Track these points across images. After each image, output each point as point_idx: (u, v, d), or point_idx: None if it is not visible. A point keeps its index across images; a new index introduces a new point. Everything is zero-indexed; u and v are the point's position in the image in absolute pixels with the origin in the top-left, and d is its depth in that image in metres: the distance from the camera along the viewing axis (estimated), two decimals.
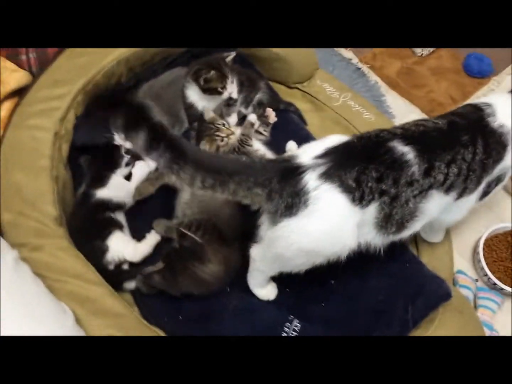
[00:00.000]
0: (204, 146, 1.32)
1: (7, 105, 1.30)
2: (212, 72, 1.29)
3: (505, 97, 1.13)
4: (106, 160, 1.30)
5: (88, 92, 1.34)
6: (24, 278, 0.91)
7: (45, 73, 1.32)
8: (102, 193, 1.25)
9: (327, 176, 0.90)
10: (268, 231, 0.98)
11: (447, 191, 1.01)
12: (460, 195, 1.05)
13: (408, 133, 0.99)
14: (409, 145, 0.95)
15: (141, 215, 1.32)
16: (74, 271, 1.07)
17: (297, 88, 1.66)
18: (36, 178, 1.17)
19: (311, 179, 0.90)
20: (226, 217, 1.23)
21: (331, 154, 0.93)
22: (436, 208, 1.03)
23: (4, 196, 1.14)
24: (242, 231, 1.26)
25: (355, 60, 2.01)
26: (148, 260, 1.23)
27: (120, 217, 1.30)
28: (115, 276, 1.20)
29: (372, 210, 0.94)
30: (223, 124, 1.35)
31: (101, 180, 1.26)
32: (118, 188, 1.28)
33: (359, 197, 0.91)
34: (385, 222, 0.97)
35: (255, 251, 1.09)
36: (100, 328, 1.00)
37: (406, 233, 1.05)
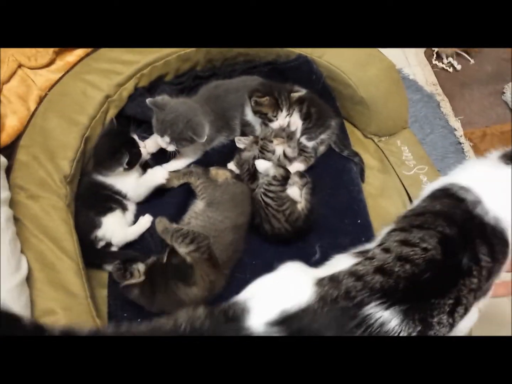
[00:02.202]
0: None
1: (79, 52, 1.33)
2: (266, 98, 1.21)
3: (487, 173, 0.89)
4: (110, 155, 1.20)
5: (157, 68, 1.32)
6: None
7: None
8: (101, 178, 1.22)
9: None
10: None
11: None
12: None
13: (390, 284, 0.73)
14: (391, 308, 0.71)
15: (154, 204, 1.28)
16: (54, 234, 1.05)
17: (372, 139, 1.51)
18: (67, 131, 1.17)
19: None
20: (226, 242, 1.16)
21: (287, 323, 0.72)
22: None
23: (29, 136, 1.16)
24: (237, 260, 1.20)
25: (459, 132, 1.80)
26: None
27: None
28: (100, 255, 1.18)
29: None
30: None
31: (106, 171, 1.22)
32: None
33: None
34: None
35: None
36: (46, 298, 0.98)
37: None
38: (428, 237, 0.79)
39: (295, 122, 1.31)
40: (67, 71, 1.25)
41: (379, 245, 0.84)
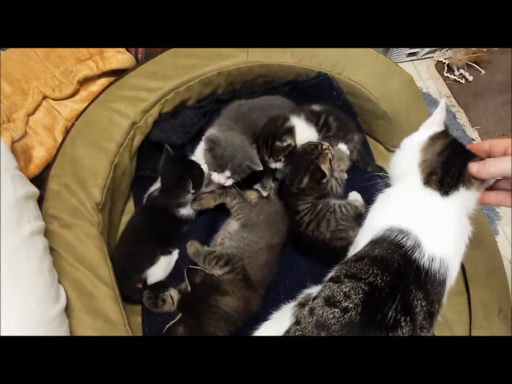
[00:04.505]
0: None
1: (102, 82, 1.35)
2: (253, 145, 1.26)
3: (424, 208, 0.87)
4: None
5: (180, 93, 1.33)
6: (29, 253, 0.89)
7: (147, 63, 1.33)
8: (184, 212, 1.24)
9: None
10: None
11: None
12: None
13: None
14: None
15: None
16: (89, 262, 1.04)
17: None
18: (96, 159, 1.17)
19: None
20: (261, 263, 1.15)
21: None
22: None
23: (59, 166, 1.16)
24: (272, 280, 1.18)
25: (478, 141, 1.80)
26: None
27: None
28: (135, 289, 1.17)
29: None
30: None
31: (181, 202, 1.23)
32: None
33: None
34: None
35: None
36: (85, 327, 0.97)
37: None
38: (354, 292, 0.79)
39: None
40: (93, 100, 1.26)
41: (314, 298, 0.85)
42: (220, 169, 1.20)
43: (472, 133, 1.83)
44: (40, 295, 0.88)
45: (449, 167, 0.87)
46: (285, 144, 1.23)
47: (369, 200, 1.34)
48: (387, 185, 1.40)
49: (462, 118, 1.86)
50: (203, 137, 1.23)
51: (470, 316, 1.22)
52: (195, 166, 1.22)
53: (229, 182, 1.22)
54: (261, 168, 1.22)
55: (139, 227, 1.21)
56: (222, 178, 1.21)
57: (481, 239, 1.34)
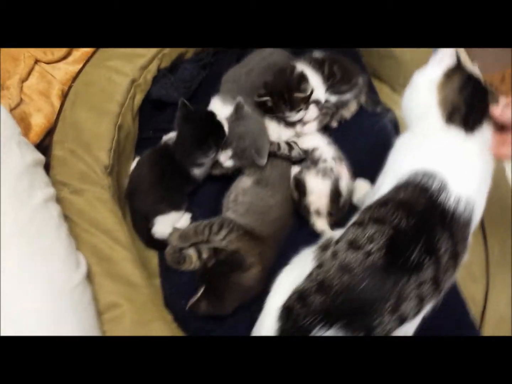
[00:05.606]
0: None
1: None
2: (267, 99, 1.17)
3: (451, 148, 0.85)
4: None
5: None
6: (45, 220, 0.87)
7: None
8: (197, 172, 1.17)
9: None
10: None
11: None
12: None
13: (327, 303, 0.77)
14: (332, 327, 0.75)
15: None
16: (105, 226, 1.02)
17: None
18: (99, 121, 1.13)
19: None
20: (272, 218, 1.13)
21: None
22: None
23: (61, 131, 1.11)
24: (285, 235, 1.16)
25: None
26: None
27: None
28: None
29: None
30: None
31: (199, 163, 1.15)
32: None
33: None
34: None
35: None
36: (107, 292, 0.95)
37: None
38: (378, 235, 0.79)
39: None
40: (87, 60, 1.20)
41: (337, 242, 0.85)
42: (225, 145, 1.14)
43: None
44: (61, 263, 0.86)
45: (473, 103, 0.85)
46: (301, 95, 1.17)
47: (376, 142, 1.33)
48: (396, 126, 1.39)
49: (461, 53, 1.81)
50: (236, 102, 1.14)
51: (486, 252, 1.22)
52: (221, 127, 1.12)
53: (228, 164, 1.16)
54: (263, 164, 1.14)
55: (152, 175, 1.16)
56: (223, 156, 1.15)
57: (493, 175, 1.33)
